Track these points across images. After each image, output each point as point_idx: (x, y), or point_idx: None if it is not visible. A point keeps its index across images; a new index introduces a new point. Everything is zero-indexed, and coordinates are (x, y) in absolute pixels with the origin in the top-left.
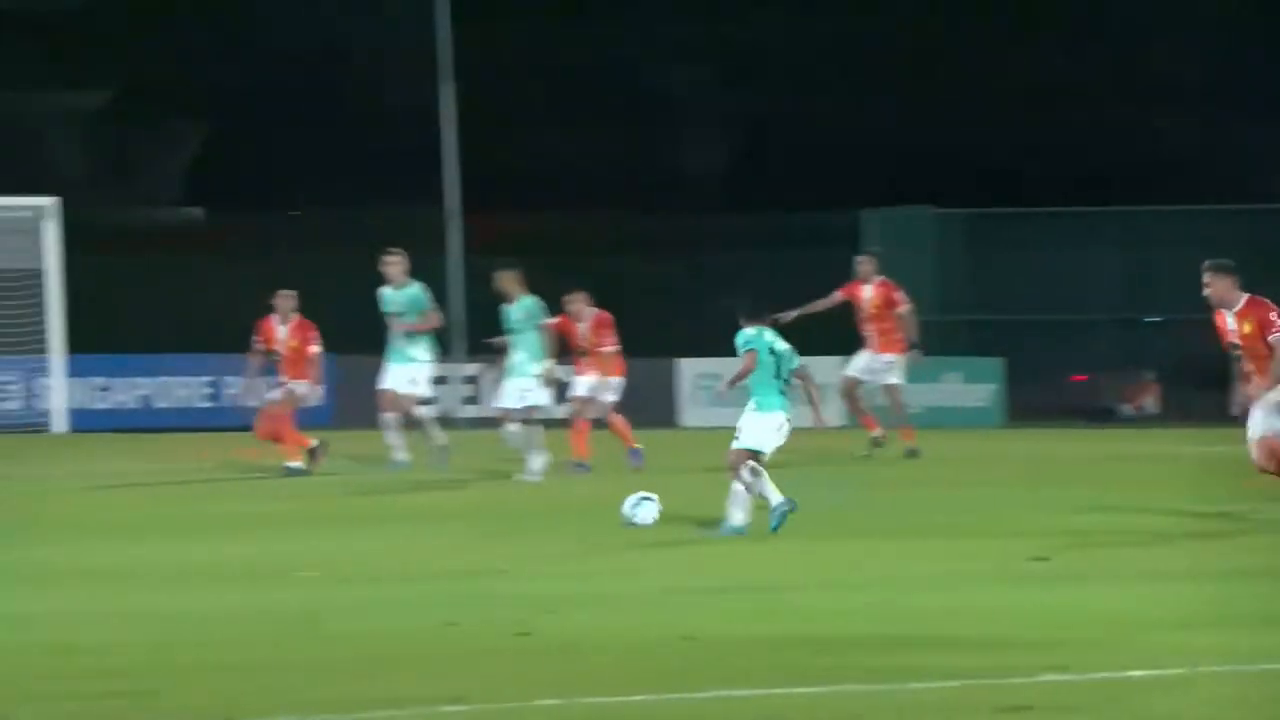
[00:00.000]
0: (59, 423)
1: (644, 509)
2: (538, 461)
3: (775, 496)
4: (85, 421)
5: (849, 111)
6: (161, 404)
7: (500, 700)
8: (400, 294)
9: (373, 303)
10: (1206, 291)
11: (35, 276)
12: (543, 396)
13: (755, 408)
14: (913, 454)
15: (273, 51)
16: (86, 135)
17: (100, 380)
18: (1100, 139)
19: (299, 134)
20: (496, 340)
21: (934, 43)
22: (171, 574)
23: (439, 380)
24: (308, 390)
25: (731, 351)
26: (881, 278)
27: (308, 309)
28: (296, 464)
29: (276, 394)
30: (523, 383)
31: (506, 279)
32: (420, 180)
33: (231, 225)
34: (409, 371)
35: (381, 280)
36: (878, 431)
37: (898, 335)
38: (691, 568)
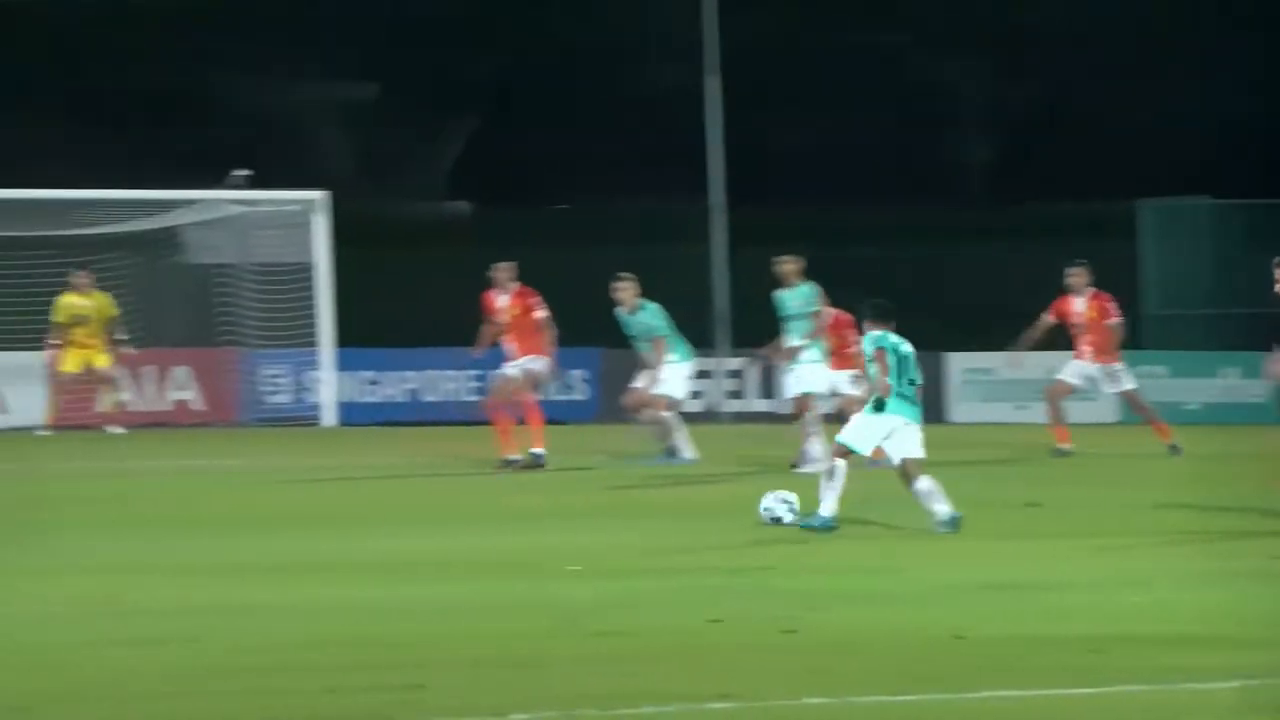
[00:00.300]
0: (328, 416)
1: (784, 505)
2: (817, 448)
3: (827, 508)
4: (353, 415)
5: (1123, 99)
6: (429, 398)
7: (766, 698)
8: (635, 319)
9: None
10: None
11: (305, 270)
12: (819, 383)
13: (871, 409)
14: (1175, 450)
15: (538, 45)
16: (354, 130)
17: (369, 374)
18: None
19: (564, 127)
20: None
21: (1207, 27)
22: (436, 567)
23: (702, 375)
24: (544, 367)
25: (999, 345)
26: (1094, 289)
27: (571, 303)
28: (515, 456)
29: (513, 372)
30: (799, 370)
31: (787, 265)
32: (683, 173)
33: (498, 219)
34: (662, 372)
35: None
36: (1067, 445)
37: (1111, 344)
38: (959, 565)
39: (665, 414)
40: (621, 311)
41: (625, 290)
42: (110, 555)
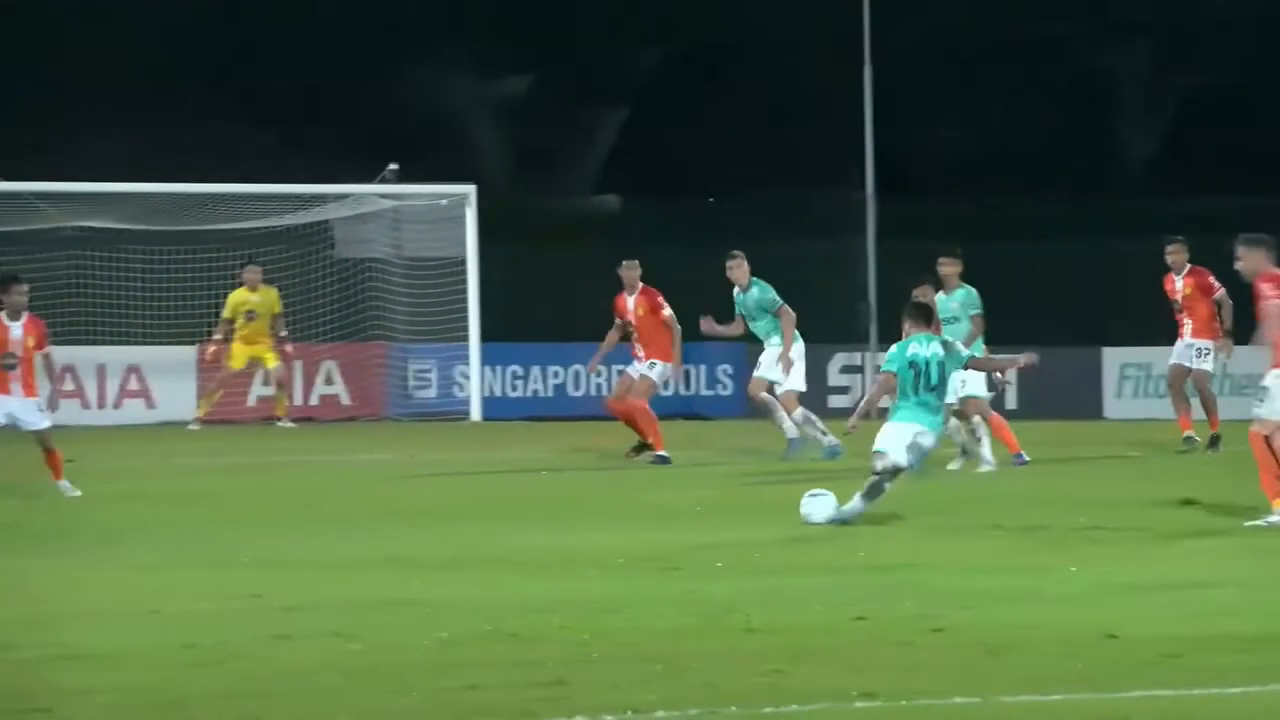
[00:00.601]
0: (474, 410)
1: (818, 504)
2: (985, 449)
3: (855, 505)
4: (498, 410)
5: None
6: (574, 393)
7: (912, 697)
8: (749, 296)
9: (790, 290)
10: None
11: (454, 265)
12: (979, 387)
13: (890, 416)
14: (1215, 442)
15: (689, 37)
16: (506, 124)
17: (514, 369)
18: None
19: (713, 120)
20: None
21: None
22: (577, 563)
23: (852, 369)
24: (666, 373)
25: (1156, 340)
26: (1192, 265)
27: (719, 297)
28: (664, 453)
29: (641, 371)
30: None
31: (947, 267)
32: (835, 165)
33: (646, 213)
34: (774, 355)
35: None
36: (1190, 433)
37: (1214, 323)
38: (1112, 564)
39: (797, 411)
40: (736, 292)
41: (738, 268)
42: (255, 550)
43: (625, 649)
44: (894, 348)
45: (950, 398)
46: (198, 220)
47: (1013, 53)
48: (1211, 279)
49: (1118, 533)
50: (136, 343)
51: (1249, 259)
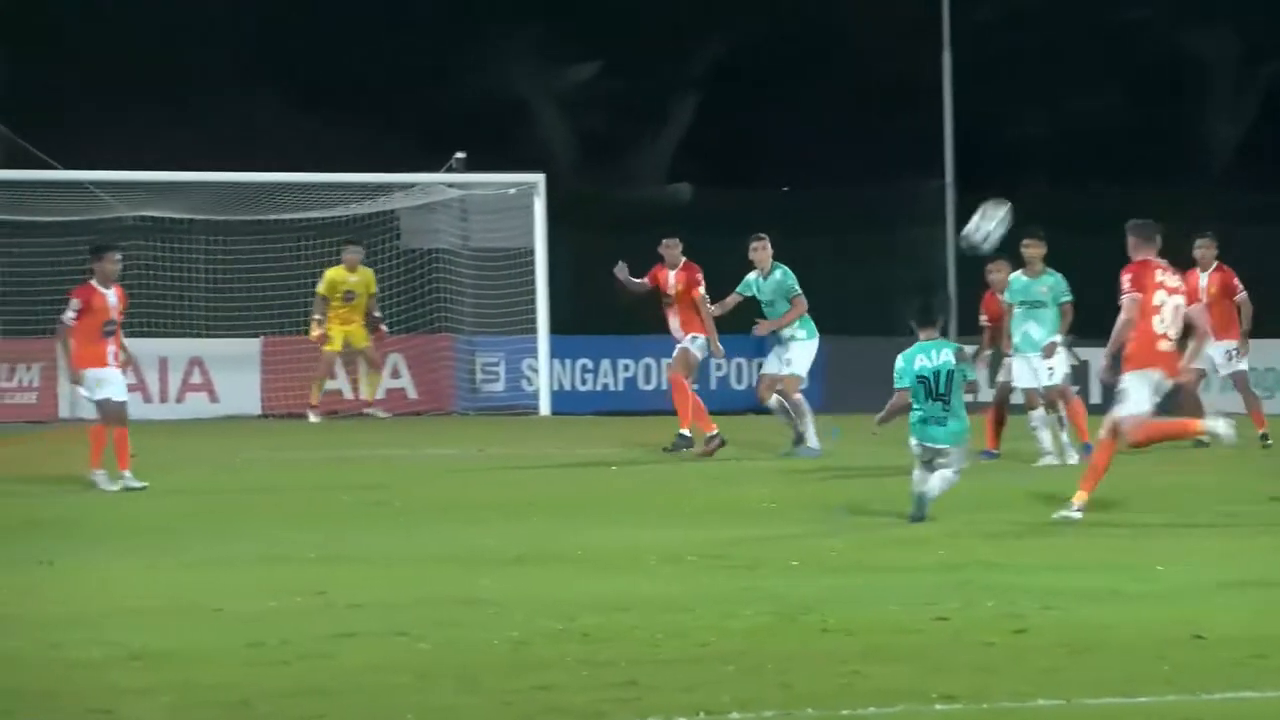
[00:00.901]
0: (543, 404)
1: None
2: (1048, 440)
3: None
4: (567, 404)
5: None
6: (645, 386)
7: (994, 699)
8: (769, 282)
9: (865, 282)
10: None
11: (521, 255)
12: (1059, 375)
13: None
14: (1264, 441)
15: (761, 22)
16: (575, 112)
17: (584, 361)
18: None
19: (787, 108)
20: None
21: None
22: (648, 560)
23: None
24: (700, 346)
25: (1269, 332)
26: (1218, 263)
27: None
28: (685, 432)
29: (683, 345)
30: (1037, 360)
31: (1032, 248)
32: (914, 154)
33: (718, 201)
34: (790, 350)
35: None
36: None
37: (1233, 323)
38: (1199, 562)
39: (797, 397)
40: (756, 275)
41: (763, 249)
42: (320, 546)
43: (698, 649)
44: (901, 359)
45: (1030, 381)
46: (261, 210)
47: (1095, 37)
48: (1235, 279)
49: (1204, 531)
50: (199, 335)
51: (1131, 245)
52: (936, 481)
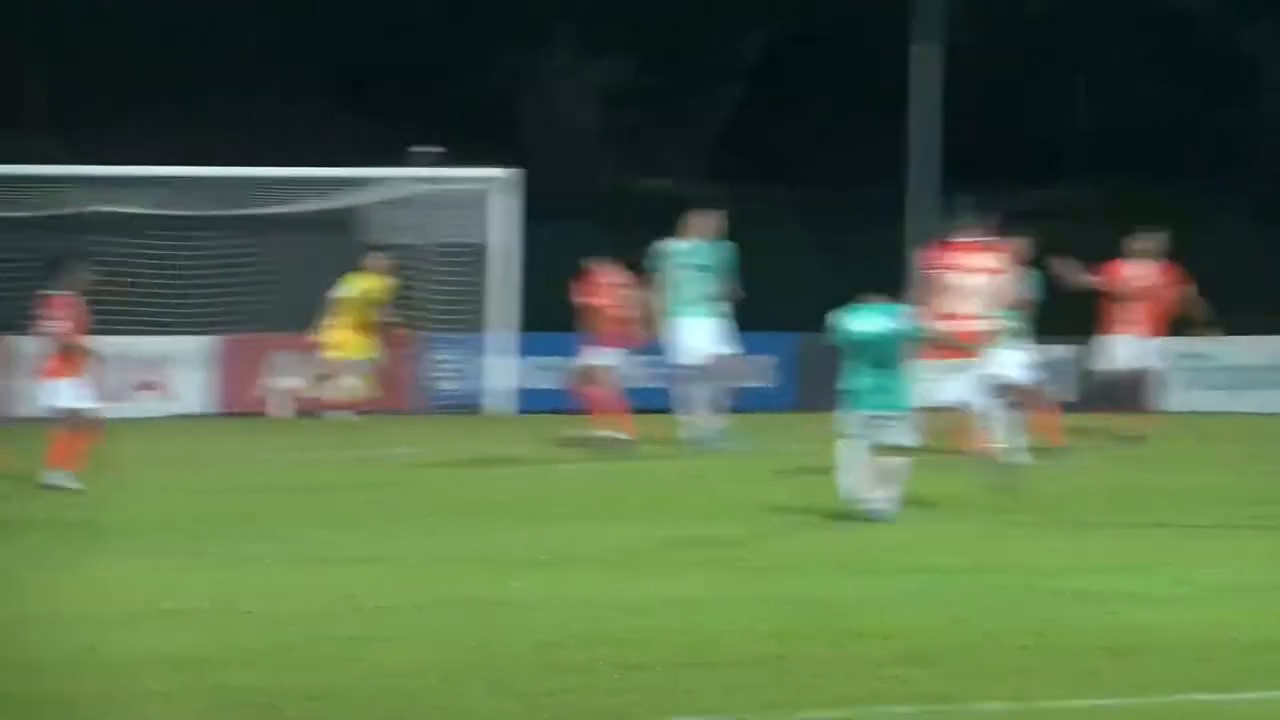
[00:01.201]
0: (504, 403)
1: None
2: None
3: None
4: (535, 402)
5: None
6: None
7: (1031, 699)
8: (715, 249)
9: (841, 283)
10: None
11: (491, 251)
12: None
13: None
14: (1135, 440)
15: (787, 25)
16: (607, 107)
17: (551, 359)
18: None
19: (812, 107)
20: None
21: None
22: (685, 560)
23: None
24: (616, 360)
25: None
26: (1158, 260)
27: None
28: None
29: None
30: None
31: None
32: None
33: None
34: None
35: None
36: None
37: (1163, 320)
38: (1229, 563)
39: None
40: (689, 245)
41: (712, 220)
42: (343, 547)
43: (730, 652)
44: (833, 322)
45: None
46: (222, 206)
47: (1151, 30)
48: (1175, 274)
49: (1232, 531)
50: (158, 333)
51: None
52: (888, 491)
